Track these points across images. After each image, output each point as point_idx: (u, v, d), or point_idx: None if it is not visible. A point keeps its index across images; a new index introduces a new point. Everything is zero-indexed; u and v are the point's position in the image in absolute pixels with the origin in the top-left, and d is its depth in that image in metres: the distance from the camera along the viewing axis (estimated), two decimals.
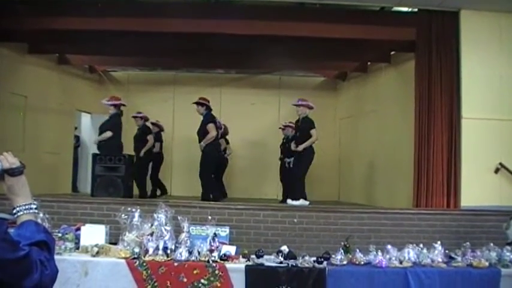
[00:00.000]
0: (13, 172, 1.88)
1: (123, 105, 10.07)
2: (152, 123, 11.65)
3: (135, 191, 10.30)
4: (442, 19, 8.59)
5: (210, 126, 9.44)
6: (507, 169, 8.08)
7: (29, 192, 1.94)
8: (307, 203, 8.91)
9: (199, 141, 9.42)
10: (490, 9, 8.34)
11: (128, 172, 9.13)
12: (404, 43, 9.34)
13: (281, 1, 8.90)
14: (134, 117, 11.12)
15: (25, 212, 1.90)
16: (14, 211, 1.91)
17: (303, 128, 9.50)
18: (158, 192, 11.50)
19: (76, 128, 13.41)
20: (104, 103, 9.94)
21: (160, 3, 9.01)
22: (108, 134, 9.65)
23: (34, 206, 1.93)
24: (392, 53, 10.94)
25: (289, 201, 9.20)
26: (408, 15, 9.14)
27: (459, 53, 8.44)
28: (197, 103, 9.66)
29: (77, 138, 13.40)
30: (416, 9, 8.87)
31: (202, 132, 9.45)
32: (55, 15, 8.84)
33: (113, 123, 9.85)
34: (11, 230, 1.80)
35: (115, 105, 9.87)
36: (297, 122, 9.95)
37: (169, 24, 8.90)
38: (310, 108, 9.63)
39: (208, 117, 9.58)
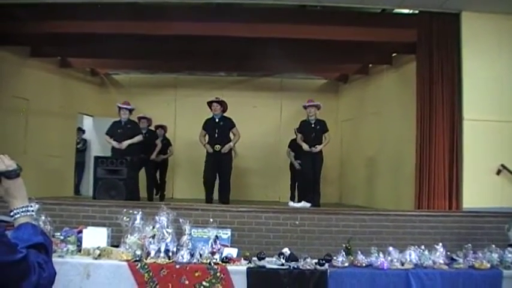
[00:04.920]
0: (10, 175, 1.88)
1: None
2: (157, 126, 11.73)
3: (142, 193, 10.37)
4: (443, 21, 8.60)
5: (237, 130, 9.66)
6: (509, 170, 8.07)
7: (26, 195, 1.94)
8: (308, 205, 8.92)
9: (220, 145, 9.35)
10: (491, 11, 8.34)
11: (129, 175, 9.12)
12: (405, 45, 9.36)
13: (282, 4, 8.91)
14: (140, 118, 11.01)
15: (22, 214, 1.90)
16: (11, 214, 1.91)
17: (321, 129, 9.56)
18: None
19: (84, 132, 13.43)
20: (124, 107, 9.73)
21: (162, 6, 9.03)
22: (141, 137, 9.71)
23: (31, 209, 1.94)
24: (393, 54, 10.95)
25: (290, 203, 9.22)
26: (409, 17, 9.14)
27: (460, 55, 8.44)
28: (220, 102, 9.64)
29: (84, 141, 13.42)
30: (417, 11, 8.87)
31: (225, 136, 9.49)
32: (57, 19, 8.87)
33: (139, 128, 9.92)
34: (9, 233, 1.81)
35: (131, 111, 9.90)
36: (303, 124, 9.83)
37: (171, 27, 8.92)
38: (319, 108, 9.68)
39: (231, 121, 9.65)
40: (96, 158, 9.27)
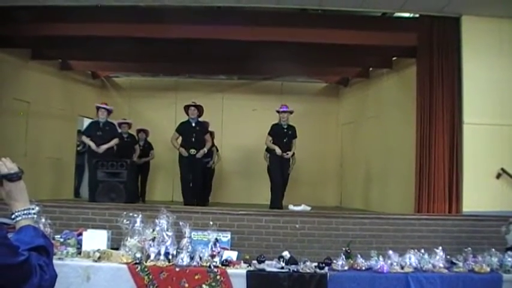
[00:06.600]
0: (11, 177, 1.89)
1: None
2: (138, 130, 11.83)
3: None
4: (444, 24, 8.62)
5: (209, 136, 9.89)
6: (508, 174, 8.08)
7: (27, 198, 1.94)
8: (308, 208, 8.92)
9: (196, 149, 9.44)
10: (491, 15, 8.37)
11: (129, 177, 9.12)
12: (405, 48, 9.37)
13: (283, 7, 8.92)
14: (120, 123, 11.07)
15: (24, 217, 1.91)
16: (13, 216, 1.91)
17: (292, 135, 9.76)
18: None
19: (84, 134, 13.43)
20: (103, 107, 9.75)
21: (163, 9, 9.03)
22: (117, 140, 9.72)
23: (33, 211, 1.94)
24: (394, 58, 10.95)
25: (290, 206, 9.22)
26: (410, 20, 9.17)
27: (460, 58, 8.46)
28: (197, 107, 9.70)
29: (84, 144, 13.40)
30: (417, 15, 8.90)
31: (201, 141, 9.56)
32: (58, 21, 8.87)
33: (116, 130, 9.89)
34: (10, 235, 1.81)
35: (110, 112, 9.89)
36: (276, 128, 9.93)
37: (172, 30, 8.93)
38: (291, 113, 9.97)
39: (206, 126, 9.70)
40: (96, 161, 9.24)
